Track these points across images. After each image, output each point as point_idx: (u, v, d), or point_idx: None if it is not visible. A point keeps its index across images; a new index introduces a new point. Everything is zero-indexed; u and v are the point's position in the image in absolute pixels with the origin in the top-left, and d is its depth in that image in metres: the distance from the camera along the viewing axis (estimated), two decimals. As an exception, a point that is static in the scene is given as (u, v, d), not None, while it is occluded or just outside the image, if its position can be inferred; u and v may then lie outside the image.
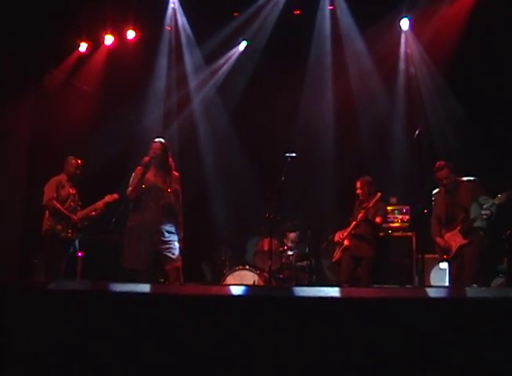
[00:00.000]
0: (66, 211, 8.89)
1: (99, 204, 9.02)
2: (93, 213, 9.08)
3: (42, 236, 8.98)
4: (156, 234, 7.82)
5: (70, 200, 9.03)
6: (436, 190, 8.41)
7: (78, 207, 9.13)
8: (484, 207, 7.75)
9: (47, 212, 8.96)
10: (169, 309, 4.09)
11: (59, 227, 8.84)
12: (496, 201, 7.72)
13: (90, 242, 9.60)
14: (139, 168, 8.02)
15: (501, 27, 9.84)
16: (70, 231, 8.89)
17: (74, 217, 8.95)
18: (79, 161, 9.22)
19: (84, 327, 4.11)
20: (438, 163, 8.22)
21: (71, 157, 9.23)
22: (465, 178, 8.13)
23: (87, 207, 9.13)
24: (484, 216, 7.76)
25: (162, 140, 8.20)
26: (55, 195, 8.90)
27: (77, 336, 4.10)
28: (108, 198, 8.98)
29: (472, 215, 7.90)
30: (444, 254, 8.17)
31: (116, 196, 8.83)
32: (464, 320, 3.59)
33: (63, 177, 9.11)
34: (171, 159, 8.19)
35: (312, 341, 3.72)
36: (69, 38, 11.81)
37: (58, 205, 8.87)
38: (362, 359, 3.63)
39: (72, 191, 9.11)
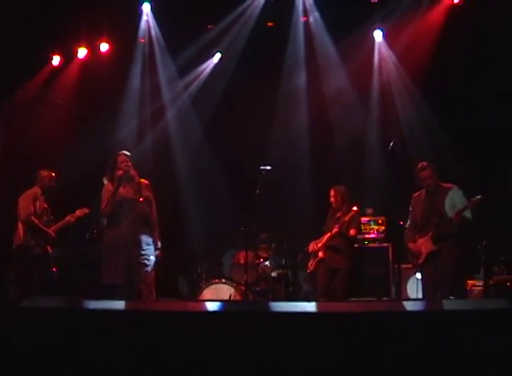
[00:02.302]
0: (44, 228, 8.78)
1: (70, 218, 8.93)
2: (68, 221, 8.98)
3: (14, 251, 8.84)
4: (133, 246, 7.76)
5: (44, 214, 8.91)
6: (416, 193, 8.34)
7: (51, 222, 9.02)
8: (457, 210, 7.74)
9: (20, 227, 8.81)
10: (145, 326, 4.05)
11: (32, 242, 8.71)
12: (467, 207, 7.72)
13: (63, 257, 9.49)
14: (107, 184, 7.96)
15: (473, 36, 9.95)
16: (43, 246, 8.78)
17: (51, 232, 8.85)
18: (52, 174, 9.09)
19: (58, 344, 4.07)
20: (421, 163, 8.18)
21: (44, 170, 9.10)
22: (445, 184, 8.11)
23: (58, 221, 9.02)
24: (454, 221, 7.76)
25: (126, 152, 8.14)
26: (32, 210, 8.74)
27: (50, 353, 4.05)
28: (79, 213, 8.90)
29: (445, 220, 7.86)
30: (415, 259, 8.14)
31: (86, 210, 8.78)
32: (441, 333, 3.59)
33: (36, 190, 8.94)
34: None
35: (289, 356, 3.70)
36: (42, 51, 11.74)
37: (36, 221, 8.74)
38: (338, 373, 3.61)
39: (45, 205, 8.98)
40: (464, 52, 10.04)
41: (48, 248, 8.89)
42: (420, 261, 8.04)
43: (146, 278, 7.79)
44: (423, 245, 7.99)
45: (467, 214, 7.76)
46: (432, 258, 7.90)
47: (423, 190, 8.23)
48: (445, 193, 8.00)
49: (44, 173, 9.05)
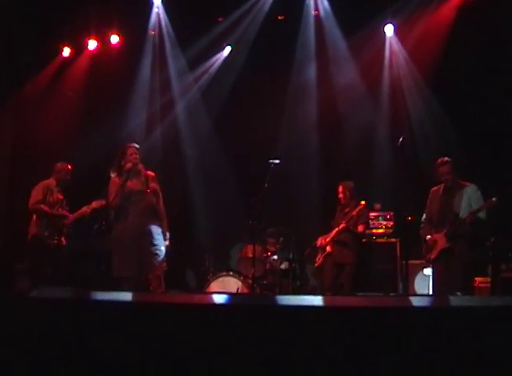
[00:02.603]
0: (52, 211, 8.81)
1: (86, 209, 8.93)
2: (84, 212, 8.98)
3: (28, 242, 8.91)
4: (143, 237, 7.76)
5: (57, 205, 8.95)
6: (434, 188, 8.31)
7: (66, 213, 9.06)
8: (471, 211, 7.73)
9: (34, 218, 8.88)
10: (152, 318, 4.05)
11: (45, 233, 8.77)
12: (482, 208, 7.71)
13: (72, 249, 9.49)
14: (114, 176, 7.96)
15: (485, 33, 9.89)
16: (56, 238, 8.81)
17: (64, 212, 8.90)
18: (69, 166, 9.16)
19: (66, 336, 4.07)
20: (440, 159, 8.15)
21: (60, 162, 9.17)
22: (464, 182, 8.09)
23: (73, 212, 9.05)
24: (468, 221, 7.75)
25: (135, 144, 8.14)
26: (41, 198, 8.81)
27: (57, 344, 4.06)
28: (95, 204, 8.85)
29: (460, 219, 7.86)
30: (428, 253, 8.12)
31: (103, 202, 8.71)
32: (447, 329, 3.58)
33: (51, 182, 9.03)
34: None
35: (295, 350, 3.69)
36: (52, 43, 11.76)
37: (44, 207, 8.80)
38: (345, 368, 3.61)
39: (60, 197, 9.04)
40: (475, 48, 9.99)
41: (63, 240, 8.92)
42: (433, 256, 8.04)
43: (156, 269, 7.80)
44: (438, 241, 7.98)
45: (481, 215, 7.74)
46: (444, 255, 7.91)
47: (442, 186, 8.20)
48: (463, 191, 7.97)
49: (60, 166, 9.13)
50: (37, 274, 8.80)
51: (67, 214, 8.93)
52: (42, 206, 8.81)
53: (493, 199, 7.63)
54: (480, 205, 7.72)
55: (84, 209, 8.95)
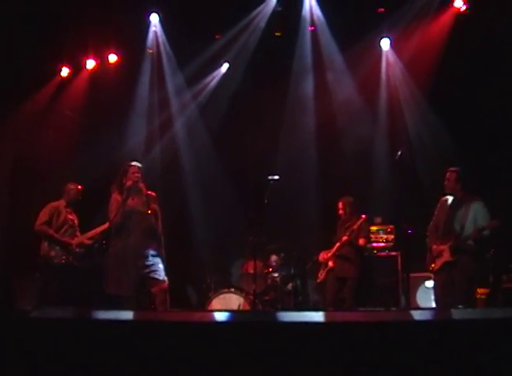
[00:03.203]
0: (57, 235, 8.85)
1: (97, 230, 8.94)
2: (87, 241, 9.01)
3: (37, 262, 8.96)
4: (140, 258, 7.77)
5: (66, 225, 8.99)
6: (444, 198, 8.36)
7: (77, 234, 9.09)
8: (478, 228, 7.78)
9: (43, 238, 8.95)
10: (154, 336, 4.06)
11: (52, 253, 8.83)
12: (487, 227, 7.75)
13: (72, 267, 9.48)
14: (115, 194, 7.98)
15: (480, 44, 9.93)
16: (63, 257, 8.84)
17: (66, 239, 8.90)
18: (79, 187, 9.23)
19: (67, 355, 4.08)
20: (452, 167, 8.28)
21: (71, 182, 9.24)
22: (471, 196, 8.12)
23: (85, 233, 9.11)
24: (472, 238, 7.80)
25: (138, 163, 8.17)
26: (47, 220, 8.87)
27: (59, 364, 4.06)
28: (101, 228, 8.91)
29: (465, 234, 7.89)
30: (431, 262, 8.14)
31: (102, 227, 8.69)
32: (450, 342, 3.58)
33: (61, 203, 9.10)
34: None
35: (298, 366, 3.69)
36: (50, 63, 11.78)
37: (49, 230, 8.85)
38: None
39: (71, 217, 9.10)
40: (471, 60, 10.03)
41: (71, 259, 8.94)
42: (436, 267, 8.09)
43: (160, 284, 7.79)
44: (442, 253, 8.02)
45: (486, 232, 7.81)
46: (448, 268, 7.97)
47: (450, 197, 8.26)
48: (470, 205, 8.01)
49: (70, 186, 9.21)
50: (44, 293, 8.83)
51: (70, 241, 8.94)
52: (47, 228, 8.87)
53: (497, 221, 7.71)
54: (486, 224, 7.77)
55: (96, 230, 8.95)
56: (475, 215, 7.92)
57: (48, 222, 8.89)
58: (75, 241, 8.98)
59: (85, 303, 9.07)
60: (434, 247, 8.15)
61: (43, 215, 8.93)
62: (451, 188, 8.18)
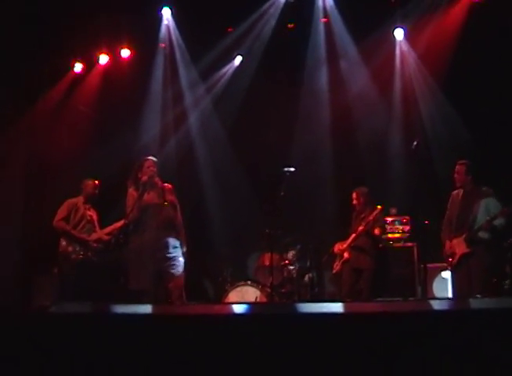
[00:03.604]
0: (74, 232, 8.93)
1: (115, 226, 8.97)
2: (105, 237, 9.05)
3: (56, 258, 9.04)
4: (160, 251, 7.81)
5: (84, 221, 9.06)
6: (455, 192, 8.38)
7: (96, 230, 9.15)
8: (488, 219, 7.78)
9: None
10: (172, 330, 4.07)
11: (69, 249, 8.90)
12: (498, 215, 7.75)
13: (90, 263, 9.52)
14: (131, 189, 8.01)
15: (495, 35, 9.87)
16: (81, 253, 8.89)
17: (84, 236, 8.95)
18: (96, 182, 9.31)
19: (87, 350, 4.09)
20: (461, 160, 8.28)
21: (88, 178, 9.32)
22: (482, 188, 8.12)
23: (104, 228, 9.16)
24: (485, 228, 7.80)
25: (153, 158, 8.19)
26: (64, 216, 8.97)
27: (79, 358, 4.08)
28: (116, 225, 8.94)
29: (478, 225, 7.90)
30: (448, 257, 8.16)
31: (119, 224, 8.69)
32: (469, 332, 3.57)
33: (79, 199, 9.18)
34: None
35: (316, 357, 3.69)
36: (63, 59, 11.82)
37: (65, 226, 8.94)
38: (366, 373, 3.60)
39: (90, 213, 9.18)
40: (486, 50, 9.96)
41: (90, 254, 8.98)
42: (454, 261, 8.12)
43: (176, 280, 7.83)
44: (458, 246, 8.06)
45: (498, 222, 7.82)
46: (465, 260, 8.00)
47: (461, 190, 8.26)
48: (481, 196, 8.05)
49: (87, 182, 9.28)
50: (62, 288, 8.89)
51: (87, 238, 8.97)
52: (64, 224, 8.96)
53: (510, 207, 7.72)
54: (496, 213, 7.79)
55: (114, 226, 8.97)
56: (487, 206, 7.95)
57: (66, 219, 8.96)
58: (93, 237, 9.03)
59: (103, 298, 9.12)
60: (447, 243, 8.20)
61: (61, 212, 9.01)
62: (461, 181, 8.20)
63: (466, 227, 7.98)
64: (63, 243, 8.92)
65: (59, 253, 8.95)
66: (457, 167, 8.21)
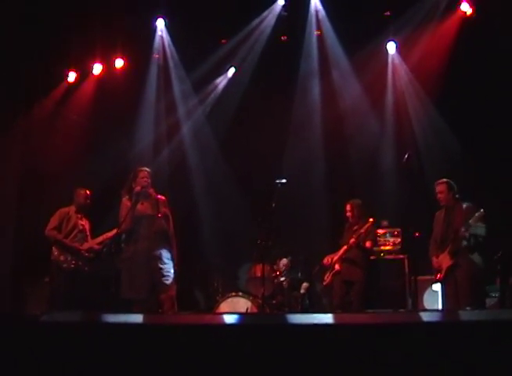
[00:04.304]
0: (65, 241, 8.93)
1: (107, 235, 8.98)
2: (96, 246, 9.05)
3: (48, 267, 9.05)
4: (153, 261, 7.84)
5: (76, 231, 9.05)
6: (438, 212, 8.48)
7: (87, 239, 9.14)
8: (464, 227, 7.86)
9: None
10: (163, 339, 4.08)
11: (61, 258, 8.90)
12: (473, 222, 7.83)
13: (82, 273, 9.51)
14: (125, 199, 8.04)
15: (487, 50, 9.93)
16: (73, 262, 8.88)
17: (76, 245, 8.95)
18: (87, 192, 9.30)
19: (77, 359, 4.10)
20: (440, 180, 8.34)
21: (80, 188, 9.32)
22: (464, 204, 8.18)
23: (96, 238, 9.16)
24: (462, 236, 7.91)
25: (147, 168, 8.23)
26: (56, 225, 8.96)
27: (70, 367, 4.08)
28: (107, 235, 8.97)
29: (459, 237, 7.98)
30: (437, 273, 8.24)
31: (110, 233, 8.69)
32: (458, 344, 3.59)
33: (71, 209, 9.18)
34: None
35: (306, 368, 3.71)
36: (57, 68, 11.83)
37: (58, 235, 8.94)
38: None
39: (82, 222, 9.18)
40: (478, 64, 10.03)
41: (81, 264, 8.97)
42: (441, 275, 8.22)
43: (168, 290, 7.86)
44: (443, 260, 8.17)
45: (478, 230, 7.92)
46: (451, 272, 8.10)
47: (444, 209, 8.35)
48: (461, 209, 8.14)
49: (79, 191, 9.28)
50: (53, 297, 8.89)
51: (79, 247, 8.97)
52: (56, 233, 8.95)
53: (481, 211, 7.84)
54: (471, 220, 7.87)
55: (105, 235, 8.99)
56: (466, 217, 8.01)
57: (58, 228, 8.96)
58: (84, 246, 9.03)
59: (94, 308, 9.11)
60: (434, 259, 8.31)
61: (53, 221, 9.02)
62: (445, 199, 8.30)
63: (450, 240, 8.09)
64: (55, 252, 8.92)
65: (51, 262, 8.95)
66: (439, 187, 8.32)
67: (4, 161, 11.40)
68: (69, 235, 8.97)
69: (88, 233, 9.19)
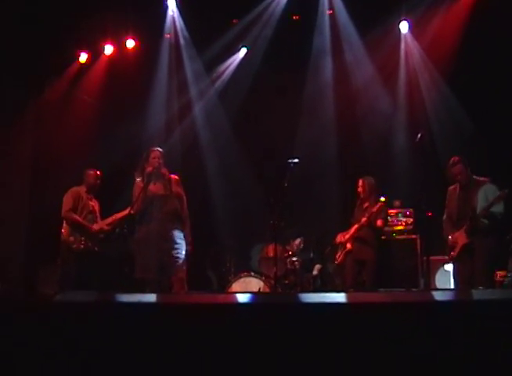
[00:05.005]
0: (84, 222, 8.94)
1: (116, 216, 9.00)
2: (106, 227, 9.07)
3: (59, 248, 9.06)
4: (165, 242, 7.86)
5: (86, 211, 9.07)
6: (451, 187, 8.37)
7: (97, 220, 9.17)
8: (485, 206, 7.77)
9: (64, 224, 9.01)
10: (176, 318, 4.09)
11: (71, 239, 8.88)
12: (495, 201, 7.73)
13: (92, 253, 9.54)
14: (139, 180, 8.04)
15: (500, 28, 9.84)
16: (82, 242, 8.89)
17: (94, 227, 8.98)
18: (98, 172, 9.29)
19: (91, 338, 4.12)
20: (452, 158, 8.20)
21: (89, 168, 9.32)
22: (479, 178, 8.11)
23: (105, 219, 9.18)
24: (482, 216, 7.78)
25: (160, 148, 8.22)
26: (71, 207, 8.95)
27: (84, 347, 4.10)
28: (116, 215, 8.97)
29: (478, 215, 7.89)
30: (450, 251, 8.17)
31: (125, 212, 8.59)
32: (471, 322, 3.59)
33: (82, 188, 9.17)
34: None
35: (319, 347, 3.72)
36: (69, 49, 11.83)
37: (75, 216, 8.93)
38: (368, 364, 3.63)
39: (92, 203, 9.19)
40: (491, 43, 9.95)
41: (90, 245, 8.98)
42: (454, 253, 8.11)
43: (178, 272, 7.88)
44: (459, 238, 8.05)
45: (496, 208, 7.78)
46: (467, 251, 7.98)
47: (458, 184, 8.24)
48: (479, 187, 8.01)
49: (88, 172, 9.27)
50: (64, 278, 8.91)
51: (94, 228, 9.00)
52: (73, 215, 8.94)
53: (504, 191, 7.70)
54: (493, 198, 7.76)
55: (116, 216, 9.02)
56: (485, 194, 7.92)
57: (74, 209, 8.96)
58: (95, 227, 9.05)
59: (105, 288, 9.16)
60: (450, 236, 8.20)
61: (67, 202, 8.98)
62: (464, 177, 8.13)
63: (467, 218, 7.95)
64: (65, 232, 8.94)
65: (61, 242, 8.98)
66: (455, 168, 8.13)
67: (17, 145, 11.44)
68: (80, 216, 8.98)
69: (97, 215, 9.20)
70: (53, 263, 9.73)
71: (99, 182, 9.28)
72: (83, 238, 8.90)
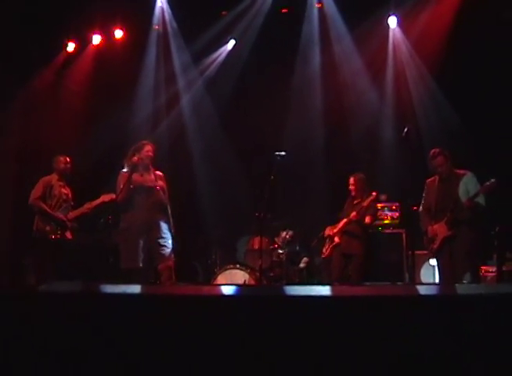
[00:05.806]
0: (50, 211, 8.79)
1: (95, 202, 8.92)
2: (86, 211, 8.97)
3: (33, 237, 8.92)
4: (152, 231, 7.86)
5: (60, 200, 8.94)
6: (430, 179, 8.29)
7: (70, 208, 9.07)
8: (468, 197, 7.75)
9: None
10: (161, 310, 4.09)
11: (47, 228, 8.76)
12: (480, 191, 7.71)
13: (79, 243, 9.51)
14: (124, 171, 8.03)
15: (489, 24, 9.88)
16: (59, 232, 8.82)
17: (61, 216, 8.87)
18: (67, 159, 9.13)
19: (75, 329, 4.11)
20: (432, 150, 8.11)
21: (59, 155, 9.18)
22: (459, 170, 8.09)
23: (80, 207, 9.06)
24: (466, 207, 7.77)
25: (152, 144, 8.23)
26: (40, 194, 8.81)
27: (68, 338, 4.09)
28: (104, 197, 8.83)
29: (460, 206, 7.87)
30: (430, 244, 8.12)
31: (113, 196, 8.43)
32: (454, 317, 3.60)
33: (53, 177, 9.02)
34: None
35: (304, 340, 3.72)
36: (57, 38, 11.78)
37: (42, 205, 8.78)
38: (353, 358, 3.64)
39: (64, 191, 9.03)
40: (479, 38, 9.97)
41: (67, 234, 8.93)
42: (435, 246, 8.03)
43: (167, 260, 7.88)
44: (439, 230, 7.96)
45: (480, 199, 7.74)
46: (447, 243, 7.90)
47: (437, 176, 8.19)
48: (459, 179, 7.95)
49: (58, 158, 9.13)
50: (41, 269, 8.84)
51: (62, 218, 8.90)
52: (40, 203, 8.80)
53: (491, 181, 7.60)
54: (477, 189, 7.72)
55: (86, 207, 8.95)
56: (466, 187, 7.86)
57: (42, 197, 8.84)
58: (70, 216, 8.95)
59: (93, 278, 9.14)
60: (429, 228, 8.10)
61: (37, 190, 8.85)
62: (446, 171, 8.10)
63: (447, 210, 7.88)
64: (40, 222, 8.83)
65: (35, 232, 8.82)
66: (437, 160, 8.02)
67: (3, 135, 11.39)
68: (52, 204, 8.88)
69: (72, 202, 9.12)
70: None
71: (69, 166, 9.11)
72: (58, 227, 8.81)
